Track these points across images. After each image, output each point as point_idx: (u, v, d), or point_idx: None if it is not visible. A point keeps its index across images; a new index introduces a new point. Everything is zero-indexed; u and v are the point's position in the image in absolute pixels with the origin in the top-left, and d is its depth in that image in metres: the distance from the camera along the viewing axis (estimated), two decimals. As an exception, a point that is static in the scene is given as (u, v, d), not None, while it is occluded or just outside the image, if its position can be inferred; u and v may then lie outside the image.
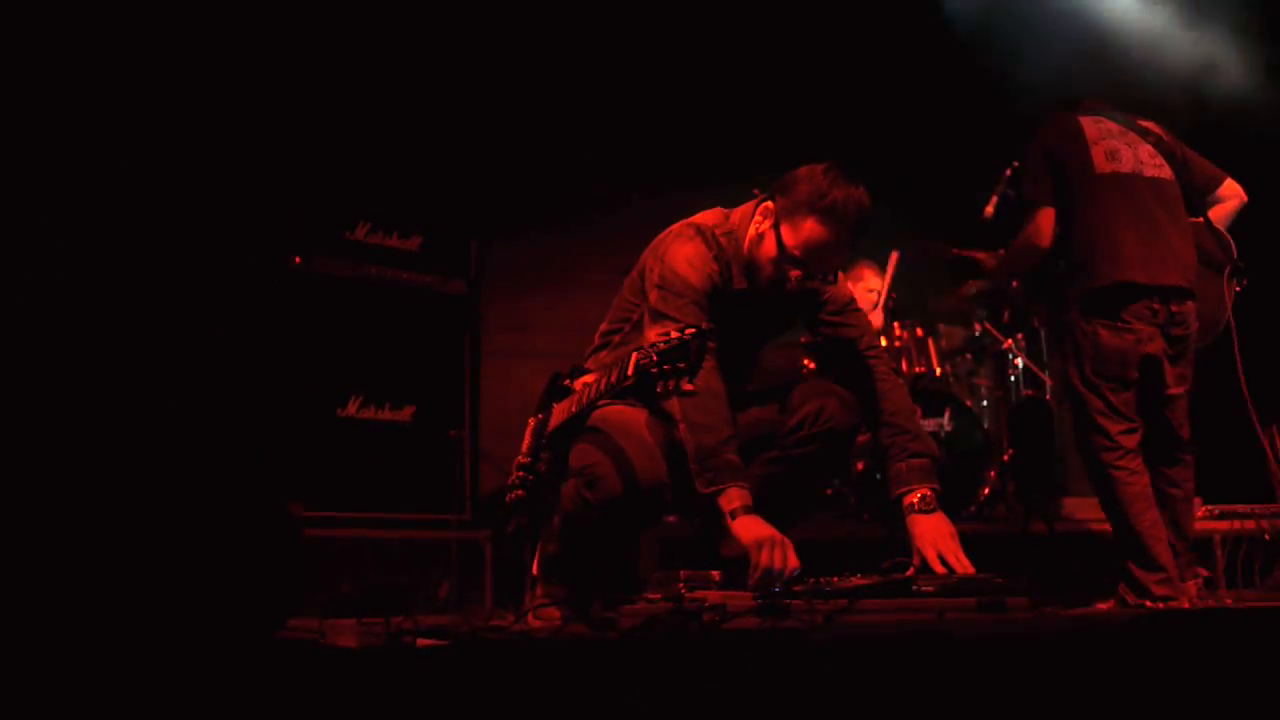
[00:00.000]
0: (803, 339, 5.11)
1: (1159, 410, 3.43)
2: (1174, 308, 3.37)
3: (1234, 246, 3.57)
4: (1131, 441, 3.36)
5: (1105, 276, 3.37)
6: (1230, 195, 3.63)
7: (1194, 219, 3.55)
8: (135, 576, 1.76)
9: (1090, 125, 3.56)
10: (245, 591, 1.92)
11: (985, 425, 5.38)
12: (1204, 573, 3.52)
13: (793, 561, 2.42)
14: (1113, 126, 3.57)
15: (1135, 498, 3.33)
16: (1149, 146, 3.55)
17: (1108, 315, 3.37)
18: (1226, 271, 3.51)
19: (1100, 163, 3.47)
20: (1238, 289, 3.54)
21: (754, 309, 2.85)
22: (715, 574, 2.39)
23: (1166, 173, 3.52)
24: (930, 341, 5.52)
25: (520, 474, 2.88)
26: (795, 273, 2.71)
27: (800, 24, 6.24)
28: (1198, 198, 3.59)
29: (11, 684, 1.53)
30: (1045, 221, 3.49)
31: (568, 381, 2.92)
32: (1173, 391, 3.43)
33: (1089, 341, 3.40)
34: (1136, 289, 3.34)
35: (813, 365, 5.28)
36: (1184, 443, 3.47)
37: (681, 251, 2.76)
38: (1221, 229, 3.58)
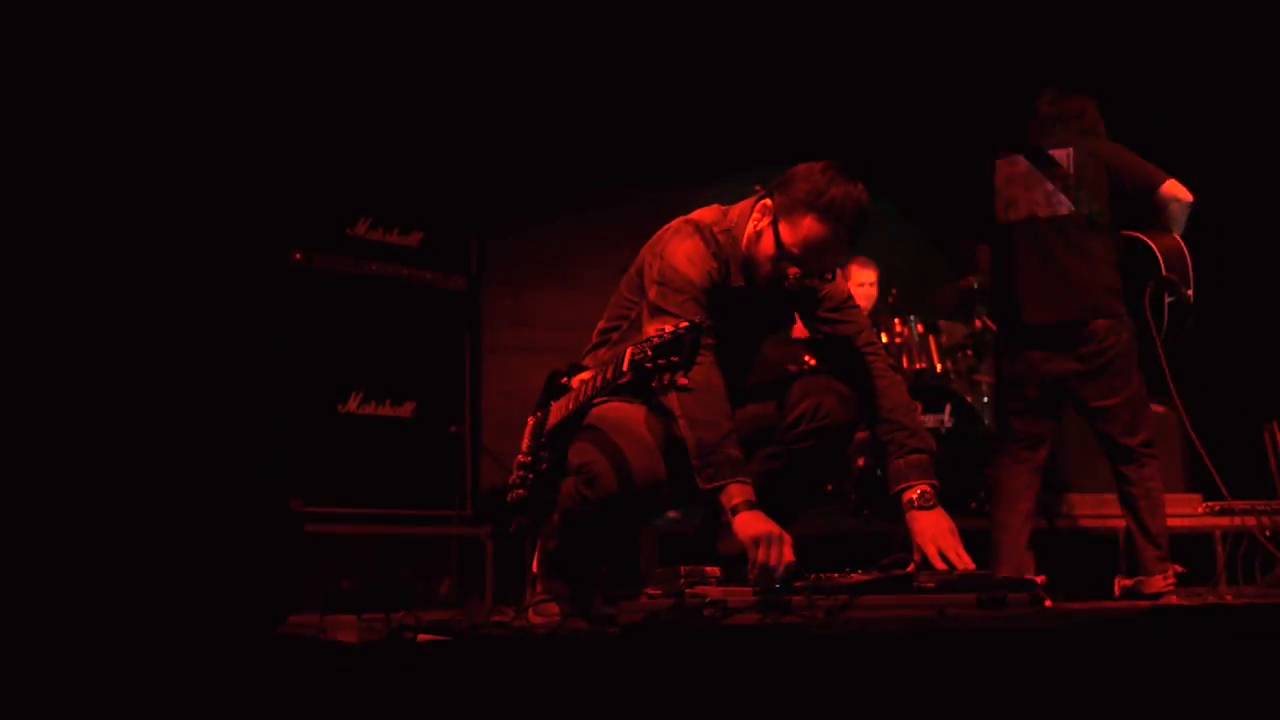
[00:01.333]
0: (803, 335, 5.11)
1: (1093, 424, 3.76)
2: (1069, 334, 3.70)
3: (1162, 259, 3.69)
4: (1023, 453, 3.80)
5: (1003, 318, 3.94)
6: (1170, 197, 3.74)
7: (1130, 233, 3.77)
8: (135, 573, 1.77)
9: (1004, 169, 3.90)
10: (246, 587, 1.92)
11: (986, 421, 5.38)
12: (1177, 568, 3.69)
13: (788, 557, 2.41)
14: (1019, 170, 3.86)
15: (1002, 493, 3.82)
16: (1049, 184, 3.81)
17: (1008, 348, 3.88)
18: (1148, 291, 3.69)
19: (1000, 214, 3.87)
20: (1169, 299, 3.69)
21: (752, 306, 2.85)
22: (715, 570, 2.38)
23: (1064, 208, 3.79)
24: (931, 337, 5.53)
25: (521, 473, 2.88)
26: (794, 270, 2.70)
27: (801, 16, 6.24)
28: (1141, 200, 3.78)
29: (12, 682, 1.54)
30: (982, 256, 4.03)
31: (566, 379, 2.92)
32: (1095, 405, 3.72)
33: (998, 369, 4.00)
34: (1030, 329, 3.77)
35: (812, 361, 5.28)
36: (1129, 450, 3.69)
37: (681, 248, 2.75)
38: (1167, 237, 3.73)
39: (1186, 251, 3.70)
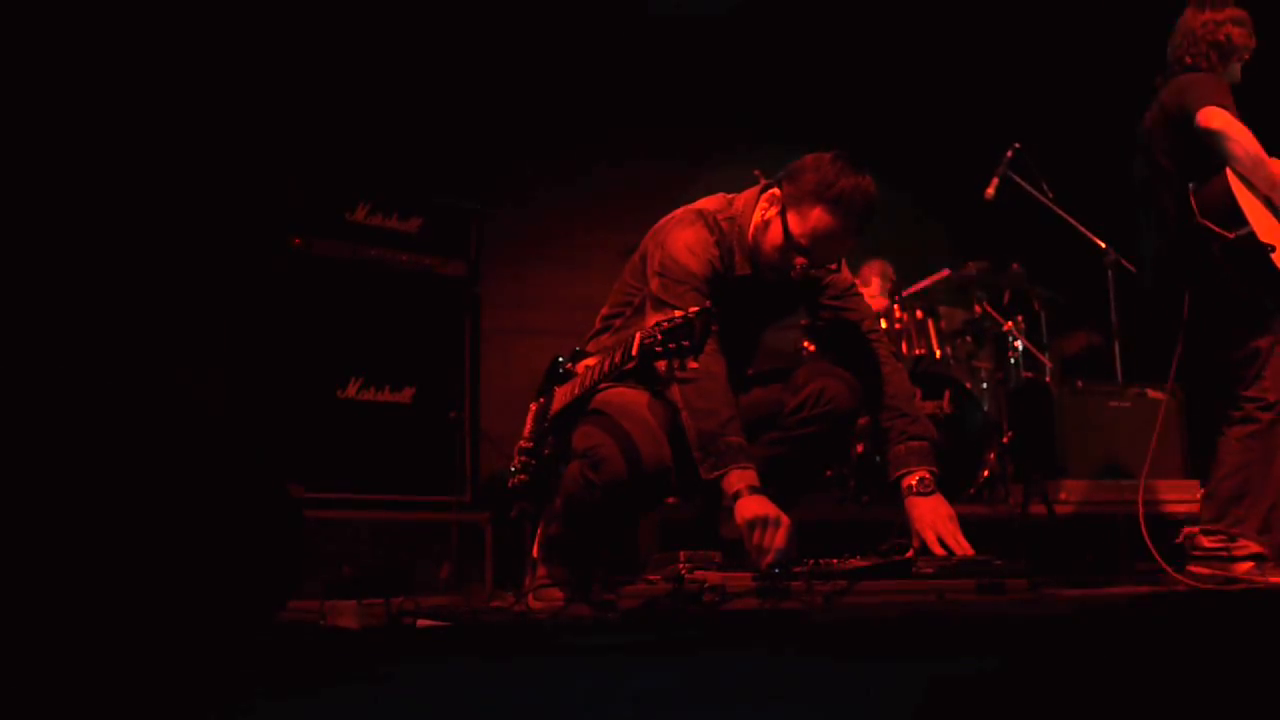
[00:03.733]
0: (802, 321, 5.12)
1: None
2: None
3: (1196, 207, 3.22)
4: None
5: None
6: (1201, 130, 3.23)
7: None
8: (136, 559, 1.77)
9: None
10: (246, 573, 1.93)
11: (985, 407, 5.38)
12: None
13: (780, 542, 2.41)
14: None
15: None
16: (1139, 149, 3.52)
17: None
18: (1210, 249, 3.21)
19: None
20: (1216, 248, 3.20)
21: (757, 295, 2.85)
22: (716, 555, 2.39)
23: (1141, 171, 3.47)
24: (930, 323, 5.51)
25: (522, 459, 2.88)
26: (800, 260, 2.71)
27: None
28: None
29: (13, 666, 1.54)
30: None
31: (569, 365, 2.92)
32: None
33: None
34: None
35: (812, 348, 5.28)
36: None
37: (682, 237, 2.75)
38: (1215, 178, 3.22)
39: (1232, 187, 3.16)
